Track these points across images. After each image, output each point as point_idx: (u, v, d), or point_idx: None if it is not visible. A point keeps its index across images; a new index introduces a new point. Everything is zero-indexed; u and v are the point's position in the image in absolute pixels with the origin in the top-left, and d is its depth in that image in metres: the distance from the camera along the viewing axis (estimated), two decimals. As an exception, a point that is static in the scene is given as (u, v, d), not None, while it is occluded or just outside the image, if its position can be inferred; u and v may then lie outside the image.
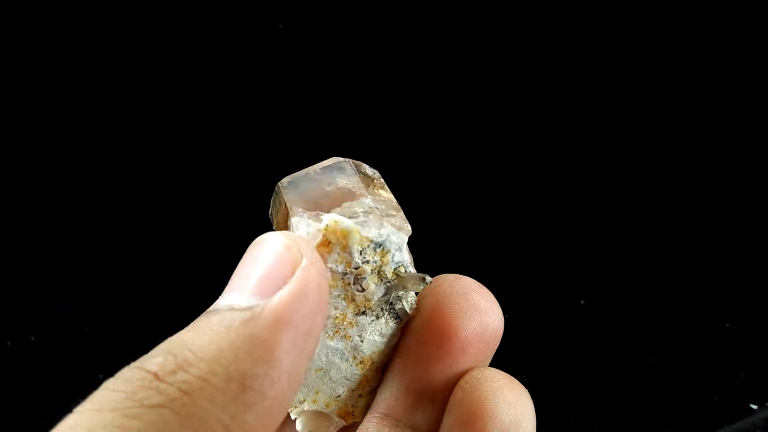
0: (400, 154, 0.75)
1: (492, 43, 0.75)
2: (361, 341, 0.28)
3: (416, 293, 0.29)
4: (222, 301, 0.24)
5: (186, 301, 0.66)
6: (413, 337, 0.29)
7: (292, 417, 0.29)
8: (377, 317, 0.28)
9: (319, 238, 0.26)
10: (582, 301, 0.68)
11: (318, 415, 0.29)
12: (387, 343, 0.29)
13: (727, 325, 0.66)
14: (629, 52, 0.75)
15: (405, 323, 0.29)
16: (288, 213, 0.27)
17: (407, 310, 0.29)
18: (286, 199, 0.28)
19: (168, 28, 0.73)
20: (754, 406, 0.60)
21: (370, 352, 0.29)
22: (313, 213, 0.27)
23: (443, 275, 0.30)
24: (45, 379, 0.59)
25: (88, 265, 0.67)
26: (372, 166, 0.29)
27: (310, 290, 0.24)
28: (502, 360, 0.64)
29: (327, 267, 0.27)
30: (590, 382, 0.62)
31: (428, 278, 0.28)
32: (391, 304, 0.29)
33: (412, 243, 0.29)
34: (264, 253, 0.24)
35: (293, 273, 0.24)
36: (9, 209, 0.70)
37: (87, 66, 0.73)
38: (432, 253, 0.70)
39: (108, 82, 0.73)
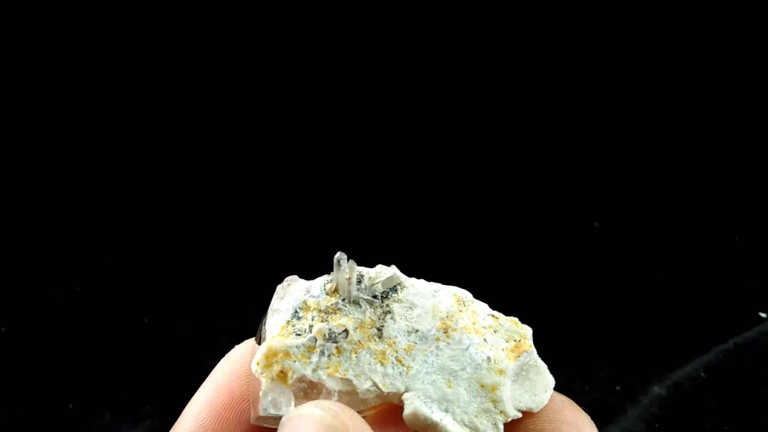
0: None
1: (488, 48, 0.75)
2: (417, 330, 0.26)
3: (369, 280, 0.27)
4: None
5: (217, 248, 0.69)
6: None
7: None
8: (389, 312, 0.26)
9: (271, 379, 0.25)
10: (596, 224, 0.70)
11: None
12: (429, 297, 0.27)
13: (738, 238, 0.68)
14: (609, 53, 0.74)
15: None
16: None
17: (381, 279, 0.27)
18: None
19: (167, 33, 0.73)
20: (764, 315, 0.61)
21: (433, 324, 0.26)
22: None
23: (554, 398, 0.27)
24: (94, 326, 0.62)
25: (122, 218, 0.70)
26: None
27: None
28: (523, 282, 0.66)
29: (311, 373, 0.25)
30: (607, 298, 0.64)
31: (340, 259, 0.26)
32: (375, 296, 0.26)
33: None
34: None
35: None
36: (45, 176, 0.72)
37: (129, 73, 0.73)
38: (453, 179, 0.71)
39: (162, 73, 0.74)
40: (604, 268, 0.67)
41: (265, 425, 0.27)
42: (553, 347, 0.61)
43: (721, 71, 0.75)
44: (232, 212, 0.71)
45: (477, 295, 0.29)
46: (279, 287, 0.27)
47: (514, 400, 0.26)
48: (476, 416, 0.25)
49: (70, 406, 0.57)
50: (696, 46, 0.75)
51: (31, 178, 0.71)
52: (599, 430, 0.53)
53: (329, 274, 0.26)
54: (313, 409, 0.23)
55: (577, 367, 0.59)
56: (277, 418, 0.24)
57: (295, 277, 0.27)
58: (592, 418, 0.31)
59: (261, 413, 0.25)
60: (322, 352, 0.25)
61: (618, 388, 0.58)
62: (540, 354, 0.28)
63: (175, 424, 0.29)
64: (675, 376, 0.56)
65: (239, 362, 0.29)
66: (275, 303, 0.26)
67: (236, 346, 0.29)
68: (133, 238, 0.69)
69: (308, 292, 0.26)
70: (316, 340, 0.25)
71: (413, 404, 0.25)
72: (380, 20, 0.75)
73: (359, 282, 0.26)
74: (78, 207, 0.70)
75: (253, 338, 0.28)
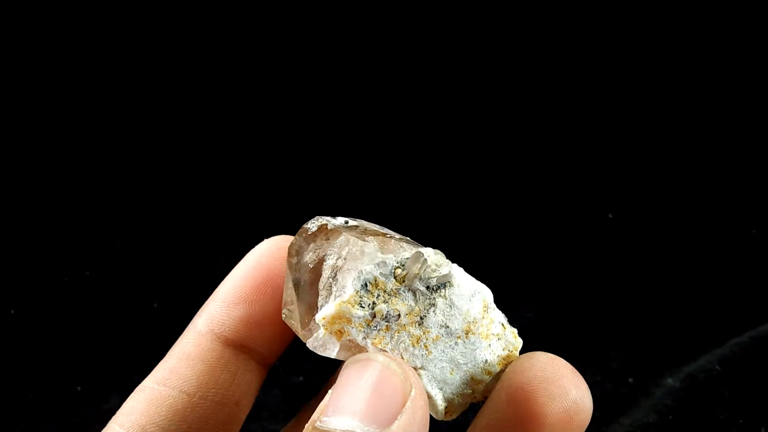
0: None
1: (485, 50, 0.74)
2: (447, 326, 0.30)
3: (431, 268, 0.30)
4: (335, 421, 0.25)
5: (228, 233, 0.68)
6: (499, 416, 0.29)
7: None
8: (434, 305, 0.30)
9: (330, 333, 0.29)
10: (610, 215, 0.69)
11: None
12: (467, 301, 0.31)
13: (754, 231, 0.67)
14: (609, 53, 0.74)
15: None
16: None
17: (437, 275, 0.30)
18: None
19: (165, 31, 0.73)
20: (780, 308, 0.61)
21: (461, 326, 0.30)
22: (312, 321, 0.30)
23: (536, 354, 0.29)
24: (104, 310, 0.63)
25: (132, 202, 0.70)
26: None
27: (419, 423, 0.25)
28: (537, 273, 0.66)
29: (362, 339, 0.29)
30: (621, 289, 0.64)
31: (421, 250, 0.30)
32: (428, 287, 0.30)
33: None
34: (372, 377, 0.26)
35: (404, 403, 0.25)
36: (56, 160, 0.72)
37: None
38: (467, 170, 0.71)
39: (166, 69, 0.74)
40: (618, 260, 0.66)
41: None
42: (566, 337, 0.61)
43: (742, 65, 0.75)
44: (244, 198, 0.71)
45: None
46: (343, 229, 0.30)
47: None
48: (455, 396, 0.31)
49: (79, 389, 0.58)
50: (719, 37, 0.75)
51: (42, 162, 0.71)
52: (611, 421, 0.53)
53: (411, 249, 0.30)
54: (378, 355, 0.27)
55: (589, 357, 0.59)
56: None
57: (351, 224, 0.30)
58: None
59: (309, 347, 0.30)
60: (375, 326, 0.29)
61: (630, 379, 0.57)
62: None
63: (209, 300, 0.32)
64: (689, 368, 0.56)
65: (277, 245, 0.32)
66: (346, 248, 0.30)
67: (265, 240, 0.32)
68: (144, 223, 0.69)
69: (381, 267, 0.30)
70: (374, 317, 0.29)
71: (423, 380, 0.30)
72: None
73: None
74: (88, 190, 0.70)
75: (281, 235, 0.32)
